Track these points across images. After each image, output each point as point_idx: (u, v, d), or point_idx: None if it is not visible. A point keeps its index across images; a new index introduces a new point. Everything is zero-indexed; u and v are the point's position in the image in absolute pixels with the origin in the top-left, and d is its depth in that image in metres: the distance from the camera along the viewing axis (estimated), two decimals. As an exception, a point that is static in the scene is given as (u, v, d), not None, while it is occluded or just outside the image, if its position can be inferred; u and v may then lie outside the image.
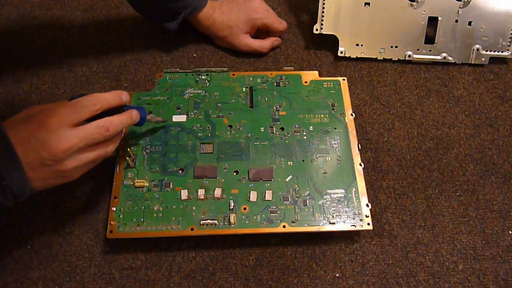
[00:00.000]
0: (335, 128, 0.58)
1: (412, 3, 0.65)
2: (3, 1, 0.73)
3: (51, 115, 0.42)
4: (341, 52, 0.67)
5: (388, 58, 0.67)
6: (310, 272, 0.52)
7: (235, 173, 0.54)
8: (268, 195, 0.53)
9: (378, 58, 0.68)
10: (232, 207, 0.52)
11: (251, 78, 0.62)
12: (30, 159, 0.40)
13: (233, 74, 0.63)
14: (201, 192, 0.52)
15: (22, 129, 0.41)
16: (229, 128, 0.58)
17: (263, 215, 0.52)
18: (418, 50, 0.67)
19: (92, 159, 0.45)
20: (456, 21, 0.65)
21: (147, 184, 0.53)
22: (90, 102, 0.44)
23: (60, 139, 0.41)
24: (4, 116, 0.61)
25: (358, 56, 0.67)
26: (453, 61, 0.67)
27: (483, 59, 0.67)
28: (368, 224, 0.52)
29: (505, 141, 0.61)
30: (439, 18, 0.65)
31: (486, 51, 0.66)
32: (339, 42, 0.67)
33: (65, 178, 0.44)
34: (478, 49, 0.66)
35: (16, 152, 0.40)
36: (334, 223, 0.51)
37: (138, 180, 0.53)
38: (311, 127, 0.58)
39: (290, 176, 0.54)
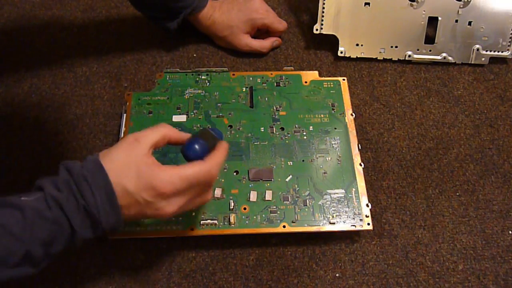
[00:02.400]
0: (335, 128, 0.58)
1: (412, 3, 0.65)
2: (3, 1, 0.73)
3: (167, 184, 0.40)
4: (341, 52, 0.67)
5: (388, 58, 0.67)
6: (310, 272, 0.52)
7: (235, 173, 0.54)
8: (268, 195, 0.53)
9: (378, 58, 0.68)
10: (232, 207, 0.52)
11: (251, 78, 0.62)
12: (132, 212, 0.40)
13: (233, 74, 0.63)
14: (201, 192, 0.52)
15: (133, 187, 0.39)
16: (229, 128, 0.58)
17: (263, 215, 0.52)
18: (418, 50, 0.67)
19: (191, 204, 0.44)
20: (456, 21, 0.65)
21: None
22: (209, 175, 0.42)
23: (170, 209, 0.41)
24: (4, 116, 0.61)
25: (358, 56, 0.67)
26: (453, 61, 0.67)
27: (483, 59, 0.67)
28: (368, 224, 0.52)
29: (505, 141, 0.61)
30: (439, 18, 0.65)
31: (486, 51, 0.66)
32: (339, 42, 0.67)
33: (161, 217, 0.42)
34: (478, 49, 0.66)
35: (120, 206, 0.39)
36: (334, 223, 0.51)
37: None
38: (311, 127, 0.58)
39: (290, 176, 0.54)
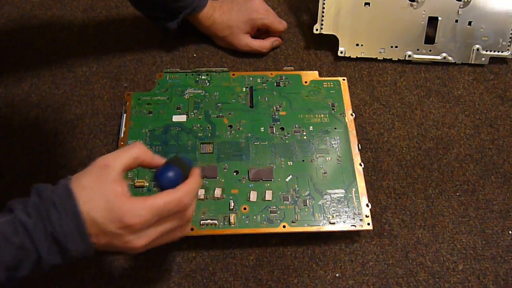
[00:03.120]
0: (335, 128, 0.58)
1: (412, 3, 0.65)
2: (3, 1, 0.73)
3: (135, 217, 0.38)
4: (341, 52, 0.67)
5: (388, 58, 0.67)
6: (310, 272, 0.52)
7: (235, 173, 0.54)
8: (268, 195, 0.53)
9: (378, 58, 0.68)
10: (232, 207, 0.52)
11: (251, 78, 0.62)
12: (102, 242, 0.38)
13: (233, 74, 0.63)
14: (201, 192, 0.52)
15: (100, 218, 0.37)
16: (229, 128, 0.58)
17: (263, 215, 0.52)
18: (418, 50, 0.67)
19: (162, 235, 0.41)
20: (456, 21, 0.65)
21: (147, 184, 0.53)
22: (180, 204, 0.40)
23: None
24: (4, 116, 0.61)
25: (358, 56, 0.67)
26: (453, 61, 0.67)
27: (483, 59, 0.67)
28: (368, 224, 0.52)
29: (505, 141, 0.61)
30: (439, 18, 0.65)
31: (486, 51, 0.66)
32: (339, 42, 0.67)
33: (131, 251, 0.40)
34: (478, 49, 0.66)
35: (89, 234, 0.37)
36: (334, 223, 0.51)
37: (138, 180, 0.53)
38: (311, 127, 0.58)
39: (290, 176, 0.54)
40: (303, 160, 0.56)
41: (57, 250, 0.37)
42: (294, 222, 0.51)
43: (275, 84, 0.62)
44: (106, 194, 0.38)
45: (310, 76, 0.63)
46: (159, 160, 0.43)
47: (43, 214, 0.36)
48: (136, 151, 0.41)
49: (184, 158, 0.44)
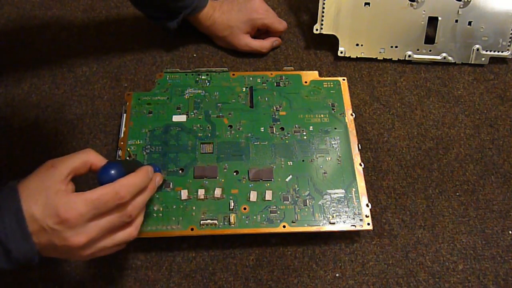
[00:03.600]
0: (335, 128, 0.58)
1: (412, 3, 0.65)
2: (3, 1, 0.73)
3: (69, 210, 0.37)
4: (341, 52, 0.67)
5: (388, 58, 0.67)
6: (310, 272, 0.52)
7: (235, 173, 0.54)
8: (268, 195, 0.53)
9: (378, 58, 0.68)
10: (232, 207, 0.52)
11: (251, 78, 0.62)
12: (42, 241, 0.38)
13: (233, 74, 0.63)
14: (201, 192, 0.52)
15: (39, 214, 0.37)
16: (229, 128, 0.58)
17: (263, 215, 0.52)
18: (418, 50, 0.67)
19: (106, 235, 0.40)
20: (456, 21, 0.65)
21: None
22: (116, 196, 0.39)
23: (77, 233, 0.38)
24: (4, 116, 0.61)
25: (358, 56, 0.67)
26: (453, 61, 0.67)
27: (483, 59, 0.67)
28: (368, 224, 0.52)
29: (505, 141, 0.61)
30: (439, 18, 0.65)
31: (486, 51, 0.66)
32: (339, 42, 0.67)
33: (73, 252, 0.40)
34: (478, 49, 0.66)
35: (30, 233, 0.37)
36: (334, 223, 0.51)
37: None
38: (311, 127, 0.58)
39: (290, 176, 0.54)
40: (303, 160, 0.56)
41: (0, 251, 0.36)
42: (294, 222, 0.51)
43: (275, 84, 0.62)
44: (47, 191, 0.38)
45: (310, 76, 0.63)
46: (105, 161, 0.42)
47: None
48: (84, 156, 0.41)
49: (153, 165, 0.45)
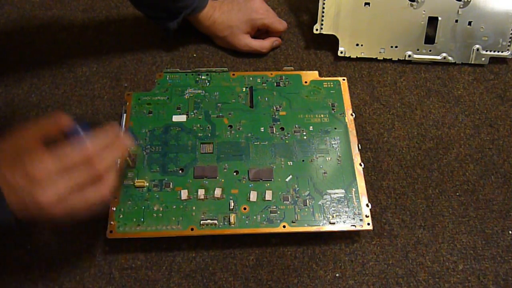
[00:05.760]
0: (335, 128, 0.58)
1: (412, 3, 0.65)
2: (3, 1, 0.73)
3: (36, 166, 0.38)
4: (341, 52, 0.67)
5: (388, 58, 0.67)
6: (310, 272, 0.52)
7: (235, 173, 0.54)
8: (268, 195, 0.53)
9: (378, 58, 0.68)
10: (232, 207, 0.52)
11: (251, 78, 0.62)
12: (13, 200, 0.38)
13: (233, 74, 0.63)
14: (201, 192, 0.52)
15: (9, 174, 0.38)
16: (229, 128, 0.58)
17: (263, 215, 0.52)
18: (418, 50, 0.67)
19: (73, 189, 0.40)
20: (456, 21, 0.65)
21: (147, 184, 0.53)
22: (81, 150, 0.40)
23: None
24: (4, 116, 0.61)
25: (358, 56, 0.67)
26: (453, 61, 0.67)
27: (483, 59, 0.67)
28: (368, 224, 0.52)
29: (505, 141, 0.61)
30: (439, 18, 0.65)
31: (486, 51, 0.66)
32: (339, 42, 0.67)
33: (48, 215, 0.39)
34: (478, 49, 0.66)
35: (2, 194, 0.38)
36: (334, 223, 0.51)
37: (138, 180, 0.53)
38: (311, 127, 0.58)
39: (290, 176, 0.54)
40: (303, 160, 0.56)
41: None
42: (294, 222, 0.51)
43: (275, 84, 0.62)
44: (17, 151, 0.39)
45: (310, 76, 0.63)
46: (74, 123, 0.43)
47: None
48: (55, 118, 0.42)
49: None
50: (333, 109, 0.60)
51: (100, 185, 0.41)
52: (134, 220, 0.51)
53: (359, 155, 0.56)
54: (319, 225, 0.51)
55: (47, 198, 0.38)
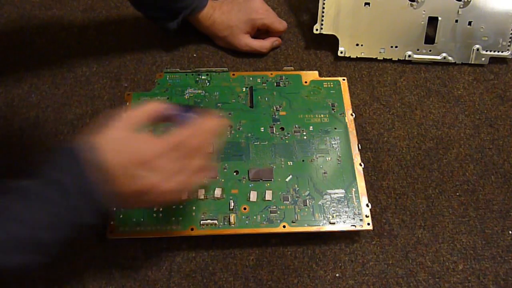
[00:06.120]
0: (335, 128, 0.58)
1: (412, 3, 0.65)
2: (3, 1, 0.73)
3: (152, 152, 0.40)
4: (341, 52, 0.67)
5: (388, 58, 0.67)
6: (310, 272, 0.52)
7: (235, 173, 0.54)
8: (268, 195, 0.53)
9: (378, 58, 0.68)
10: (232, 207, 0.52)
11: (251, 78, 0.62)
12: (125, 188, 0.39)
13: (233, 74, 0.63)
14: (201, 192, 0.52)
15: (123, 161, 0.39)
16: (229, 128, 0.58)
17: (263, 215, 0.52)
18: (418, 50, 0.67)
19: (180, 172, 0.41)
20: (456, 21, 0.65)
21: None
22: (196, 138, 0.42)
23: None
24: (4, 116, 0.61)
25: (358, 56, 0.67)
26: (453, 61, 0.67)
27: (483, 59, 0.67)
28: (368, 224, 0.52)
29: (505, 141, 0.61)
30: (439, 18, 0.65)
31: (486, 51, 0.66)
32: (339, 42, 0.67)
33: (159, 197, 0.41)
34: (478, 49, 0.66)
35: (114, 181, 0.38)
36: (334, 223, 0.51)
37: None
38: (311, 127, 0.58)
39: (290, 176, 0.54)
40: (303, 160, 0.56)
41: (88, 203, 0.38)
42: (294, 222, 0.51)
43: (275, 84, 0.62)
44: (126, 139, 0.40)
45: (310, 76, 0.63)
46: (176, 107, 0.44)
47: (72, 170, 0.37)
48: (155, 104, 0.43)
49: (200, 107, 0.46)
50: (333, 109, 0.60)
51: (203, 167, 0.43)
52: (134, 220, 0.51)
53: (359, 155, 0.56)
54: (319, 225, 0.51)
55: (165, 185, 0.40)
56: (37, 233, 0.36)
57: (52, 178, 0.37)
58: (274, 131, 0.58)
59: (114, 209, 0.50)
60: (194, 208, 0.52)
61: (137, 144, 0.40)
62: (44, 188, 0.37)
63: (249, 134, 0.57)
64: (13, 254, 0.35)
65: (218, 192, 0.53)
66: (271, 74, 0.63)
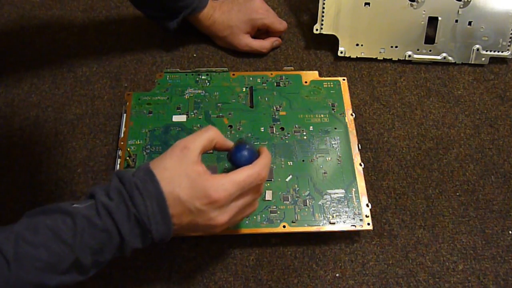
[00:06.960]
0: (335, 128, 0.58)
1: (412, 3, 0.65)
2: (3, 1, 0.73)
3: (220, 191, 0.39)
4: (341, 52, 0.67)
5: (388, 58, 0.67)
6: (310, 272, 0.52)
7: (235, 173, 0.54)
8: (268, 195, 0.53)
9: (378, 58, 0.68)
10: (232, 207, 0.52)
11: (251, 78, 0.62)
12: (184, 222, 0.40)
13: (233, 74, 0.63)
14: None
15: (186, 196, 0.39)
16: (229, 128, 0.58)
17: (263, 215, 0.52)
18: (418, 50, 0.67)
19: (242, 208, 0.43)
20: (456, 21, 0.65)
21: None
22: (259, 177, 0.42)
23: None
24: (4, 116, 0.61)
25: (358, 56, 0.67)
26: (453, 61, 0.67)
27: (483, 59, 0.67)
28: (368, 224, 0.52)
29: (505, 141, 0.61)
30: (439, 18, 0.65)
31: (486, 51, 0.66)
32: (339, 42, 0.67)
33: (212, 229, 0.42)
34: (478, 49, 0.66)
35: (171, 215, 0.39)
36: (334, 223, 0.51)
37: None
38: (311, 127, 0.58)
39: (290, 176, 0.54)
40: (303, 160, 0.56)
41: (138, 233, 0.38)
42: (294, 222, 0.51)
43: (275, 84, 0.62)
44: (188, 173, 0.39)
45: (310, 76, 0.63)
46: (230, 142, 0.45)
47: (125, 197, 0.37)
48: (211, 134, 0.43)
49: (248, 141, 0.47)
50: (333, 109, 0.60)
51: (256, 202, 0.45)
52: (134, 220, 0.51)
53: (359, 155, 0.56)
54: (319, 225, 0.51)
55: (223, 221, 0.41)
56: (80, 255, 0.36)
57: (101, 202, 0.37)
58: (274, 131, 0.58)
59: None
60: (194, 208, 0.52)
61: (209, 183, 0.39)
62: (91, 212, 0.37)
63: (249, 134, 0.57)
64: (55, 274, 0.36)
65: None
66: (271, 74, 0.63)
